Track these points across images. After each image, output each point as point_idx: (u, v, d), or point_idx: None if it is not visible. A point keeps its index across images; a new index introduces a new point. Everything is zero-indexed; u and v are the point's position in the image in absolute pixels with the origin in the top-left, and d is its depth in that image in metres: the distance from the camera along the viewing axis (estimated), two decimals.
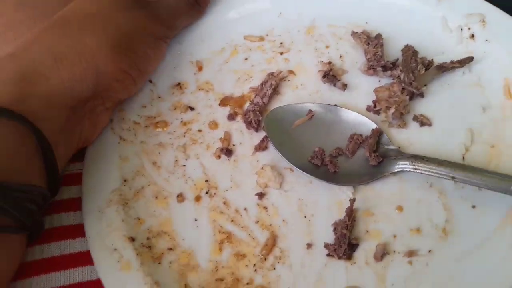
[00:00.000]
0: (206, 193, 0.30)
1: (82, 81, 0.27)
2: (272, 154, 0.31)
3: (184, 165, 0.31)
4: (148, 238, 0.28)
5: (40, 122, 0.25)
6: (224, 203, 0.29)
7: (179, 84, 0.35)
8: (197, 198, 0.29)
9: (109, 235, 0.27)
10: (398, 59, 0.34)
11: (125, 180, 0.30)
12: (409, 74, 0.32)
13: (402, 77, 0.32)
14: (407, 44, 0.34)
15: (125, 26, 0.29)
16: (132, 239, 0.28)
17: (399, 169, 0.28)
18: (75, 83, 0.26)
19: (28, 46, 0.27)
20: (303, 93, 0.34)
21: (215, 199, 0.29)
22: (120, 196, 0.29)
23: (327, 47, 0.36)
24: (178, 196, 0.29)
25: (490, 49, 0.33)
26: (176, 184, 0.30)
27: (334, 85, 0.34)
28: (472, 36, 0.34)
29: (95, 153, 0.30)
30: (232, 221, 0.29)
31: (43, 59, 0.26)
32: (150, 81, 0.34)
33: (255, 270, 0.27)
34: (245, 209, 0.29)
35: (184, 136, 0.32)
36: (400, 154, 0.29)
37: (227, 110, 0.33)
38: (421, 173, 0.28)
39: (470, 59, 0.33)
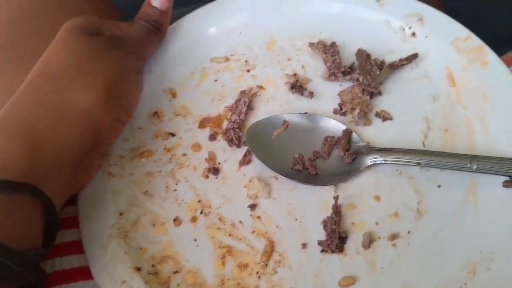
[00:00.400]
0: (201, 212, 0.31)
1: (81, 138, 0.27)
2: (256, 166, 0.32)
3: (175, 190, 0.32)
4: (153, 265, 0.29)
5: (47, 186, 0.25)
6: (220, 219, 0.31)
7: (156, 113, 0.35)
8: (193, 219, 0.30)
9: (115, 269, 0.28)
10: (354, 63, 0.37)
11: (121, 214, 0.30)
12: (366, 76, 0.35)
13: (361, 79, 0.35)
14: (360, 48, 0.37)
15: (109, 71, 0.29)
16: (138, 269, 0.28)
17: (372, 163, 0.31)
18: (75, 142, 0.27)
19: (26, 109, 0.27)
20: (275, 105, 0.36)
21: (210, 216, 0.31)
22: (119, 229, 0.30)
23: (288, 59, 0.38)
24: (174, 220, 0.30)
25: (431, 44, 0.37)
26: (171, 209, 0.31)
27: (302, 94, 0.36)
28: (414, 34, 0.37)
29: (87, 193, 0.30)
30: (229, 235, 0.30)
31: (44, 122, 0.26)
32: None
33: (259, 277, 0.28)
34: (240, 221, 0.30)
35: (170, 162, 0.33)
36: (370, 149, 0.32)
37: (207, 131, 0.34)
38: (391, 163, 0.31)
39: (415, 56, 0.36)
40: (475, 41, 0.35)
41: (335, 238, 0.28)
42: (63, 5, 0.37)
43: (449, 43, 0.36)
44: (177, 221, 0.30)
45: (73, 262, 0.29)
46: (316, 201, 0.31)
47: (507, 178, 0.29)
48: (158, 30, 0.35)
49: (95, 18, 0.31)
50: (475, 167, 0.29)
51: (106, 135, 0.29)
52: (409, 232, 0.29)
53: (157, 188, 0.32)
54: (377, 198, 0.30)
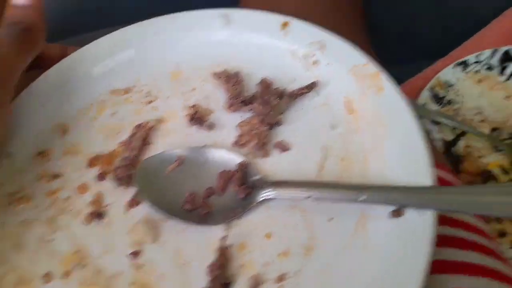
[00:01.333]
0: (77, 265, 0.26)
1: None
2: (147, 207, 0.28)
3: (52, 240, 0.27)
4: None
5: None
6: (97, 271, 0.26)
7: (42, 152, 0.31)
8: (66, 273, 0.26)
9: None
10: (255, 93, 0.34)
11: None
12: (265, 105, 0.32)
13: (259, 109, 0.32)
14: (262, 77, 0.34)
15: None
16: None
17: (264, 197, 0.28)
18: None
19: None
20: (174, 139, 0.32)
21: (87, 269, 0.26)
22: None
23: (193, 89, 0.35)
24: (44, 276, 0.26)
25: (332, 71, 0.34)
26: (42, 263, 0.26)
27: (202, 126, 0.32)
28: (316, 62, 0.35)
29: None
30: None
31: None
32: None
33: None
34: (120, 272, 0.26)
35: (51, 207, 0.28)
36: (264, 183, 0.28)
37: (96, 170, 0.30)
38: (282, 197, 0.27)
39: (314, 84, 0.34)
40: (372, 67, 0.33)
41: (217, 286, 0.24)
42: None
43: (349, 70, 0.33)
44: (47, 277, 0.26)
45: None
46: (206, 243, 0.27)
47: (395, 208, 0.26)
48: (27, 32, 0.26)
49: None
50: (364, 198, 0.26)
51: None
52: (297, 271, 0.25)
53: (30, 239, 0.27)
54: (268, 235, 0.27)
